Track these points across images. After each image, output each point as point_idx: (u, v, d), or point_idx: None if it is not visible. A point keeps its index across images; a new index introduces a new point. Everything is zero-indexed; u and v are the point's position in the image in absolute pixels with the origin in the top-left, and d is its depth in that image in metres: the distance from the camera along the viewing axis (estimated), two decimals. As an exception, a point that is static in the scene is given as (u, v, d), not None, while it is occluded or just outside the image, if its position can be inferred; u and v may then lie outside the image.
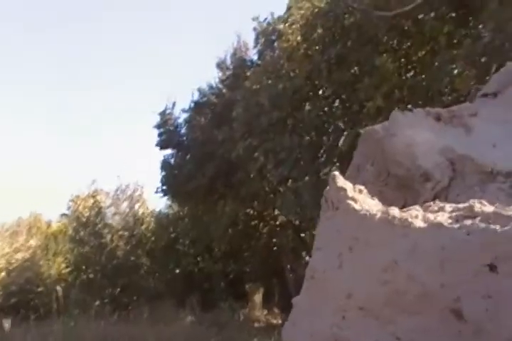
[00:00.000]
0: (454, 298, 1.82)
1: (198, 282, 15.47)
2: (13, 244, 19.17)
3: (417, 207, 2.26)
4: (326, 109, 10.91)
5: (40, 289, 16.30)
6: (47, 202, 40.75)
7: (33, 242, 19.05)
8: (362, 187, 2.51)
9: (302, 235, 13.71)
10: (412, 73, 9.53)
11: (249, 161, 11.65)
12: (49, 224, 21.54)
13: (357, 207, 2.30)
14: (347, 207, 2.33)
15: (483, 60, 7.49)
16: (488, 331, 1.71)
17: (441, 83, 8.19)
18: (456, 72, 7.88)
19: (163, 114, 15.54)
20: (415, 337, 1.95)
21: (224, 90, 14.54)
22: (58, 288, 12.77)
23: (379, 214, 2.17)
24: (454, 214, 2.06)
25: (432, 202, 2.33)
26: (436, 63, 8.37)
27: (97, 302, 14.08)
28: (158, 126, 15.55)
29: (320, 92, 10.78)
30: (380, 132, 2.99)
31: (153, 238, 17.60)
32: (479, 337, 1.74)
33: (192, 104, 15.13)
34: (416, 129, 2.86)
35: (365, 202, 2.38)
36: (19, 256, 18.14)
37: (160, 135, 15.54)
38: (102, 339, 10.15)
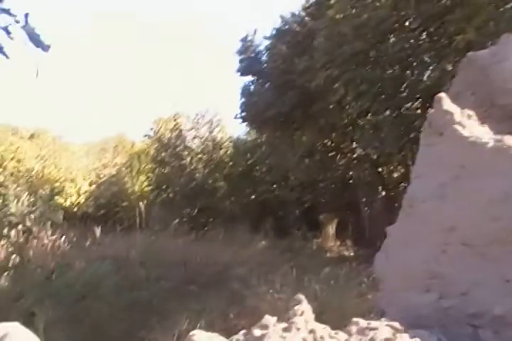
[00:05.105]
0: None
1: (273, 209, 15.84)
2: (101, 160, 20.47)
3: None
4: (411, 41, 10.43)
5: (124, 204, 17.42)
6: (132, 124, 42.64)
7: (118, 160, 20.17)
8: (471, 112, 2.30)
9: (379, 169, 13.62)
10: (510, 5, 8.77)
11: (329, 92, 11.48)
12: (133, 144, 22.57)
13: (465, 133, 2.12)
14: (453, 132, 2.16)
15: None
16: None
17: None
18: None
19: (244, 40, 15.46)
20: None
21: (306, 18, 14.14)
22: (141, 204, 13.50)
23: (492, 143, 1.98)
24: None
25: None
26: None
27: (176, 221, 14.79)
28: (239, 53, 15.51)
29: (406, 24, 10.26)
30: (486, 58, 2.68)
31: (230, 163, 18.08)
32: None
33: (274, 32, 14.86)
34: (531, 56, 2.37)
35: (474, 128, 2.18)
36: (106, 171, 19.38)
37: (241, 61, 15.53)
38: (180, 254, 10.85)
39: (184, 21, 46.23)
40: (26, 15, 2.93)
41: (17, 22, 2.95)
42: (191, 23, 44.84)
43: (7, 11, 2.92)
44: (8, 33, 2.96)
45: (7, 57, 3.04)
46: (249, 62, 15.39)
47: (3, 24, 2.92)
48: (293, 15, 14.72)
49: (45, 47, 3.05)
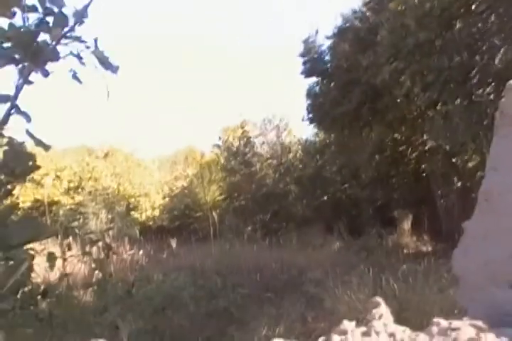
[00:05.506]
0: None
1: (345, 208, 15.60)
2: (173, 172, 20.96)
3: None
4: (479, 25, 9.95)
5: (198, 214, 17.66)
6: (200, 135, 43.48)
7: (189, 171, 20.54)
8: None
9: (453, 160, 13.06)
10: None
11: (395, 85, 11.19)
12: (202, 155, 22.94)
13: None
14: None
15: None
16: None
17: None
18: None
19: (306, 41, 15.35)
20: None
21: (368, 14, 13.84)
22: (214, 214, 13.63)
23: None
24: None
25: None
26: None
27: (249, 228, 14.85)
28: (302, 55, 15.41)
29: (473, 8, 9.81)
30: None
31: (300, 166, 18.02)
32: None
33: (335, 30, 14.65)
34: None
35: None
36: (179, 183, 19.82)
37: (304, 63, 15.42)
38: (255, 261, 10.81)
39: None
40: (96, 40, 3.08)
41: (87, 47, 3.10)
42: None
43: (79, 39, 3.06)
44: (80, 58, 3.10)
45: (80, 82, 3.18)
46: (312, 63, 15.27)
47: (74, 50, 3.07)
48: (354, 11, 14.46)
49: (115, 69, 3.15)
